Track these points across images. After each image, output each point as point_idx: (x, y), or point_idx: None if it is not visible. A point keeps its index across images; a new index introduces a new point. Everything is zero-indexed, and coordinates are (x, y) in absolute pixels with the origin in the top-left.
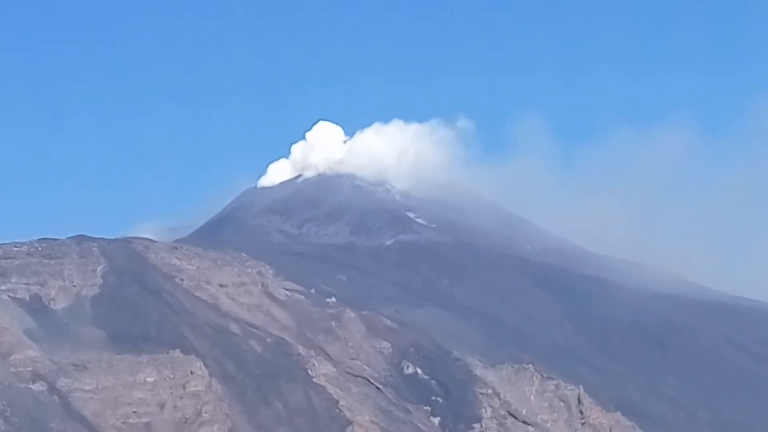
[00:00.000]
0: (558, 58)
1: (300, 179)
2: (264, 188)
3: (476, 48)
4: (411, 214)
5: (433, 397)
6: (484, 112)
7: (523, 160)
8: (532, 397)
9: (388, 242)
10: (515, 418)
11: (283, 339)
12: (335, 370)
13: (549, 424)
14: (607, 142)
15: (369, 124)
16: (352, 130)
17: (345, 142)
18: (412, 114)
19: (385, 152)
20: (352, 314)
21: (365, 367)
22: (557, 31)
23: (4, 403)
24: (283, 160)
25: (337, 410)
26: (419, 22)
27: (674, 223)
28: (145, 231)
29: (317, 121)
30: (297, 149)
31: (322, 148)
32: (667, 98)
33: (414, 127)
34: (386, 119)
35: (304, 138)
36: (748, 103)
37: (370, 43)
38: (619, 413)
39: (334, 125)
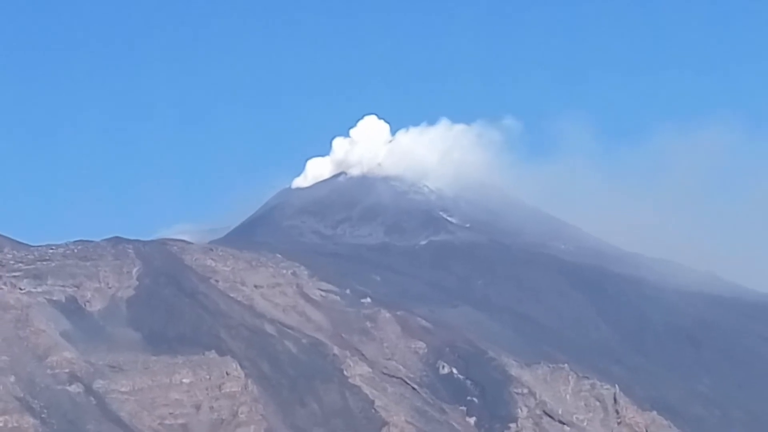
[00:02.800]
0: (602, 57)
1: (335, 179)
2: (298, 189)
3: (525, 48)
4: (445, 215)
5: (469, 397)
6: (530, 112)
7: (566, 161)
8: (567, 396)
9: (423, 242)
10: (551, 417)
11: (318, 339)
12: (370, 370)
13: (585, 424)
14: (650, 140)
15: (416, 123)
16: (399, 129)
17: (390, 141)
18: (460, 114)
19: (426, 153)
20: (387, 314)
21: (400, 367)
22: (602, 30)
23: (42, 404)
24: (319, 158)
25: (373, 410)
26: (470, 22)
27: (714, 222)
28: (180, 232)
29: (362, 117)
30: (339, 146)
31: (366, 145)
32: (711, 96)
33: (459, 127)
34: (434, 118)
35: (348, 135)
36: None
37: (419, 41)
38: (654, 412)
39: (381, 121)
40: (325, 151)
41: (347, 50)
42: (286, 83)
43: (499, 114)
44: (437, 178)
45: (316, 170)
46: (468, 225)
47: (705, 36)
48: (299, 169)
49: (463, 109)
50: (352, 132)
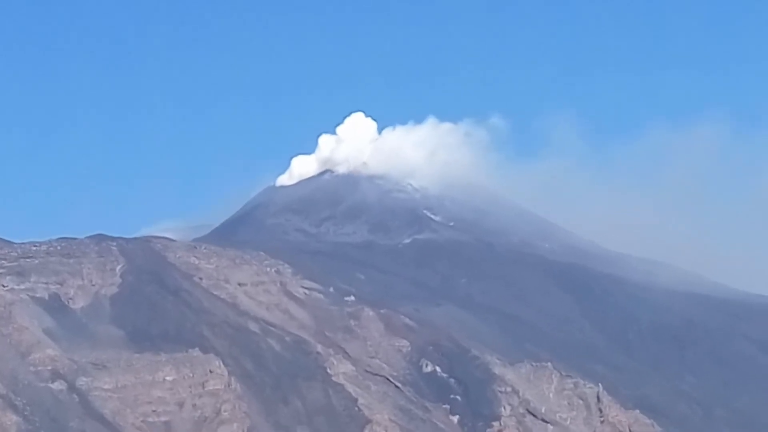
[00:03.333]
0: (592, 55)
1: (319, 177)
2: (283, 187)
3: (514, 46)
4: (429, 213)
5: (452, 396)
6: (518, 110)
7: (554, 159)
8: (551, 395)
9: (407, 241)
10: (534, 416)
11: (301, 338)
12: (354, 368)
13: (568, 423)
14: (640, 139)
15: (404, 122)
16: (386, 127)
17: (376, 140)
18: (447, 112)
19: (412, 152)
20: (371, 313)
21: (384, 365)
22: (592, 28)
23: (24, 402)
24: (304, 156)
25: (356, 409)
26: (460, 20)
27: (702, 221)
28: (164, 230)
29: (349, 114)
30: (325, 143)
31: (352, 143)
32: (701, 95)
33: (446, 126)
34: (422, 117)
35: (334, 132)
36: None
37: (408, 39)
38: (638, 411)
39: (369, 119)
40: (310, 148)
41: (335, 48)
42: (272, 81)
43: (487, 112)
44: (423, 177)
45: (301, 168)
46: (452, 223)
47: (695, 34)
48: (285, 167)
49: (450, 108)
50: (338, 129)
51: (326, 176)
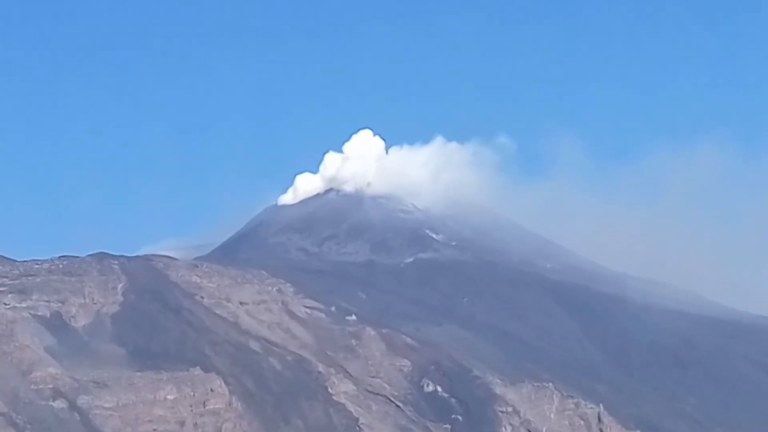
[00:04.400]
0: (596, 76)
1: (321, 196)
2: (285, 206)
3: (520, 66)
4: (431, 233)
5: (453, 416)
6: (524, 130)
7: (559, 179)
8: (552, 415)
9: (409, 260)
10: None
11: (303, 357)
12: (355, 388)
13: None
14: (643, 159)
15: (411, 140)
16: (393, 145)
17: (382, 159)
18: (455, 132)
19: (417, 171)
20: (372, 332)
21: (385, 385)
22: (597, 49)
23: (25, 420)
24: (309, 174)
25: (357, 428)
26: (466, 38)
27: (703, 241)
28: (165, 248)
29: (357, 131)
30: (330, 161)
31: (357, 162)
32: (704, 116)
33: (453, 146)
34: (429, 136)
35: (340, 150)
36: None
37: (418, 57)
38: (638, 431)
39: (377, 137)
40: (315, 166)
41: (343, 66)
42: (278, 98)
43: (494, 132)
44: (426, 197)
45: (305, 186)
46: (454, 243)
47: (699, 54)
48: (289, 185)
49: (458, 127)
50: (345, 147)
51: (329, 195)
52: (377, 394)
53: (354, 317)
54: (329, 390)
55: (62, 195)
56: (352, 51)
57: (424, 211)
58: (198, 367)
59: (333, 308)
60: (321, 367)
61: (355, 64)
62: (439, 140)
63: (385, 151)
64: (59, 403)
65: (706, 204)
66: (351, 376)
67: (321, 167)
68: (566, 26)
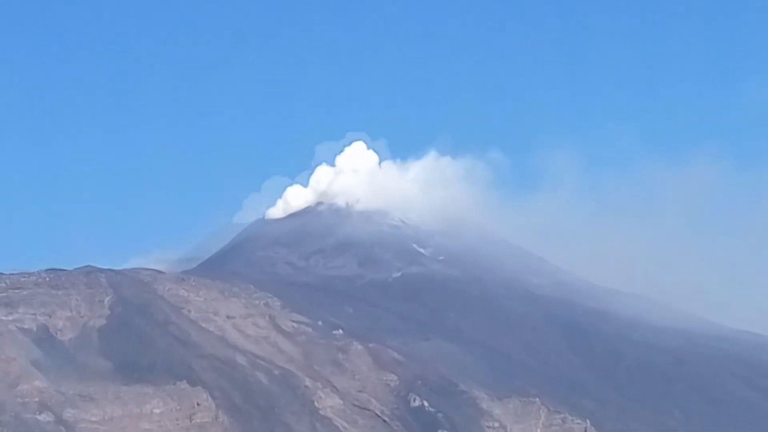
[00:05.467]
0: (591, 90)
1: (309, 210)
2: (272, 220)
3: (516, 81)
4: (418, 247)
5: (440, 430)
6: (516, 145)
7: (549, 196)
8: (538, 430)
9: (396, 275)
10: None
11: (289, 371)
12: (342, 402)
13: None
14: (636, 174)
15: (404, 155)
16: (387, 158)
17: (374, 173)
18: (450, 146)
19: (407, 185)
20: (359, 346)
21: (372, 399)
22: (590, 63)
23: None
24: (300, 187)
25: None
26: (460, 53)
27: (693, 258)
28: (153, 262)
29: (350, 144)
30: (322, 174)
31: (349, 175)
32: (698, 130)
33: (446, 160)
34: (424, 151)
35: (333, 164)
36: None
37: (408, 71)
38: None
39: (370, 151)
40: (305, 179)
41: (337, 79)
42: (268, 111)
43: (486, 147)
44: (416, 212)
45: (295, 199)
46: (442, 258)
47: (692, 68)
48: (278, 199)
49: (452, 142)
50: (337, 160)
51: (317, 209)
52: (364, 408)
53: (341, 331)
54: (316, 404)
55: (50, 208)
56: (347, 65)
57: (413, 226)
58: (184, 381)
59: (320, 322)
60: (308, 381)
61: (350, 78)
62: (432, 155)
63: (378, 165)
64: (45, 416)
65: (696, 220)
66: (337, 390)
67: (312, 180)
68: (559, 41)
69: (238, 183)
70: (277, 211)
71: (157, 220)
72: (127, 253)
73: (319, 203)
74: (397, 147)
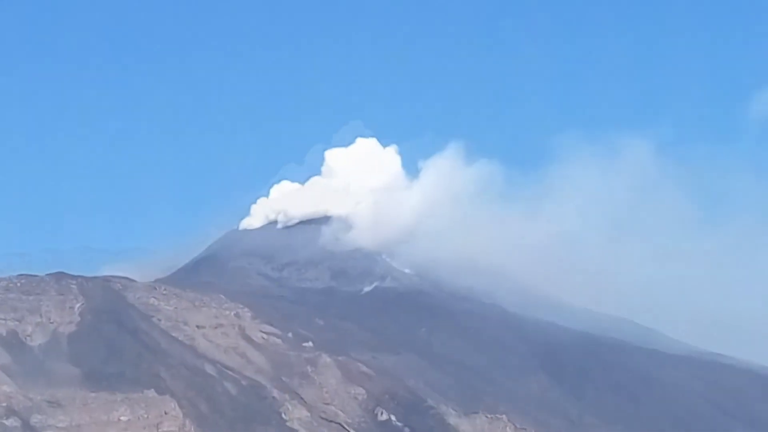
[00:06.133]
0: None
1: (283, 222)
2: (246, 230)
3: (501, 89)
4: (391, 261)
5: None
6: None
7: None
8: None
9: (368, 288)
10: None
11: (258, 382)
12: (309, 414)
13: None
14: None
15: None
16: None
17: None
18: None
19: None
20: (328, 359)
21: (339, 412)
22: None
23: None
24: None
25: None
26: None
27: (660, 276)
28: (125, 270)
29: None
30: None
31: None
32: (715, 141)
33: (457, 168)
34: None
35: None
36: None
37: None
38: None
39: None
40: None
41: (348, 83)
42: (247, 119)
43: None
44: (389, 226)
45: (267, 211)
46: (414, 273)
47: (708, 79)
48: (253, 209)
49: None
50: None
51: (290, 221)
52: (331, 421)
53: (311, 344)
54: (283, 416)
55: (21, 214)
56: (361, 70)
57: (385, 239)
58: (153, 389)
59: (290, 334)
60: (275, 393)
61: (362, 82)
62: (444, 162)
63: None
64: (12, 422)
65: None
66: (305, 402)
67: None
68: (574, 51)
69: (247, 187)
70: (250, 222)
71: (131, 229)
72: (99, 260)
73: (288, 216)
74: (409, 154)
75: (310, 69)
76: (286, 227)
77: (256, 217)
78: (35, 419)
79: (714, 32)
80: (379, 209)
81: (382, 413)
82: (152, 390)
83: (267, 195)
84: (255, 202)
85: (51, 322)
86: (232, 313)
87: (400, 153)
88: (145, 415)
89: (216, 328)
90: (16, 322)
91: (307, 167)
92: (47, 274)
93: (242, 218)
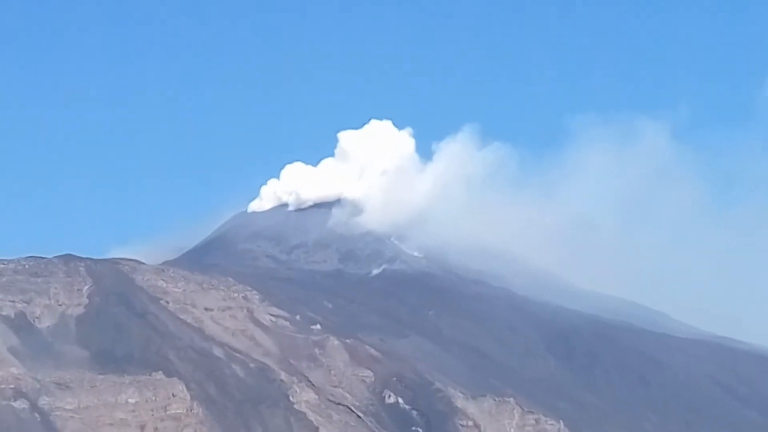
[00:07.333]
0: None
1: (292, 204)
2: (255, 213)
3: (512, 71)
4: (400, 244)
5: (414, 428)
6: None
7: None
8: (512, 430)
9: (377, 271)
10: None
11: (266, 364)
12: (317, 397)
13: None
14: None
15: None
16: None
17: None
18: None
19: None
20: (336, 342)
21: (347, 395)
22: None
23: None
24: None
25: None
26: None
27: (671, 261)
28: (134, 252)
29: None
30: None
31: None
32: (733, 124)
33: (470, 153)
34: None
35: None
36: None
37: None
38: None
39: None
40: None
41: (362, 64)
42: (253, 105)
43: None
44: (397, 209)
45: (276, 193)
46: (423, 255)
47: (724, 62)
48: (266, 191)
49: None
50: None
51: (303, 204)
52: (338, 403)
53: (319, 326)
54: (291, 398)
55: (30, 196)
56: (373, 50)
57: (393, 221)
58: (160, 372)
59: (298, 317)
60: (283, 376)
61: (376, 63)
62: (457, 146)
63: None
64: (20, 404)
65: (680, 226)
66: (313, 385)
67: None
68: (589, 35)
69: (256, 169)
70: (258, 205)
71: (140, 210)
72: (107, 242)
73: (298, 198)
74: (423, 136)
75: (325, 51)
76: (299, 209)
77: (265, 200)
78: (43, 401)
79: (731, 14)
80: (391, 192)
81: (389, 396)
82: (160, 372)
83: (278, 177)
84: (265, 184)
85: (59, 305)
86: (240, 296)
87: (414, 136)
88: (153, 398)
89: (224, 310)
90: (25, 304)
91: (318, 149)
92: (55, 256)
93: (251, 200)
